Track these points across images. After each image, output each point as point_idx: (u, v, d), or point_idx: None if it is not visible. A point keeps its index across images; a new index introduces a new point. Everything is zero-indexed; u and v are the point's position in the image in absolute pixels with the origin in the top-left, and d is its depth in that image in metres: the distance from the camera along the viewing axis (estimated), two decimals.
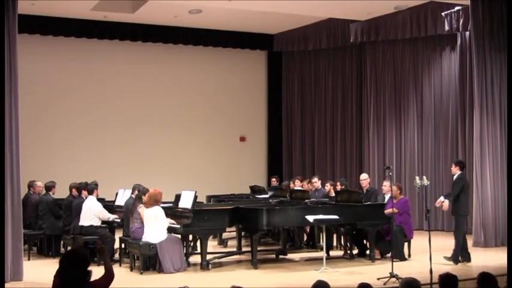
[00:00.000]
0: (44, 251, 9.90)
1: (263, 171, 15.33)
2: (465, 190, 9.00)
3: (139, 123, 14.09)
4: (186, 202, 8.78)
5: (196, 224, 8.44)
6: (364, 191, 10.16)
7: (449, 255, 8.93)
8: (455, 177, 9.04)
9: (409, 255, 9.30)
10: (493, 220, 10.51)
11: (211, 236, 9.95)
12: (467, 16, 11.14)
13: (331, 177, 13.36)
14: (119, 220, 9.48)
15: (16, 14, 8.15)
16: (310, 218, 8.45)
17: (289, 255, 9.70)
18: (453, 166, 9.16)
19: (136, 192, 9.06)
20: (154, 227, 8.40)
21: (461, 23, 11.67)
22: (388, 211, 9.02)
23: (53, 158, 13.19)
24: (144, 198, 8.67)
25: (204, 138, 14.73)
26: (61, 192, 10.27)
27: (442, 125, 12.75)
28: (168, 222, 8.49)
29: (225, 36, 14.45)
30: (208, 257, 8.73)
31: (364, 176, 10.44)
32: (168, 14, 12.83)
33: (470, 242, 10.58)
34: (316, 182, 10.95)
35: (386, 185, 9.52)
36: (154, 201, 8.46)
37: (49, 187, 10.05)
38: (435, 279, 5.17)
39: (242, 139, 15.28)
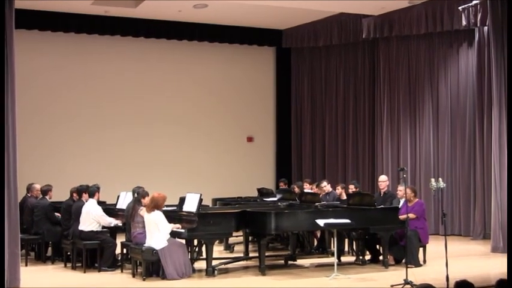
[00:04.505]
0: (42, 256, 9.77)
1: (271, 173, 15.25)
2: None
3: (141, 122, 14.03)
4: (190, 205, 8.65)
5: (201, 228, 8.28)
6: (382, 193, 10.05)
7: (467, 260, 8.73)
8: None
9: (424, 261, 9.15)
10: None
11: (217, 241, 9.83)
12: (486, 10, 10.94)
13: (343, 180, 13.24)
14: (121, 224, 9.30)
15: (13, 9, 7.98)
16: (321, 222, 8.29)
17: (299, 261, 9.56)
18: None
19: (135, 195, 8.87)
20: (155, 232, 8.24)
21: (479, 17, 11.42)
22: (403, 217, 8.82)
23: (51, 158, 13.11)
24: (145, 201, 8.53)
25: (209, 138, 14.67)
26: (59, 195, 10.13)
27: (459, 124, 12.54)
28: (171, 227, 8.33)
29: (231, 31, 14.36)
30: (214, 262, 8.59)
31: (383, 178, 10.34)
32: (171, 8, 12.75)
33: (488, 247, 10.60)
34: (326, 186, 10.88)
35: (401, 189, 9.32)
36: (155, 206, 8.29)
37: (45, 191, 9.91)
38: (452, 286, 5.07)
39: (249, 139, 15.20)
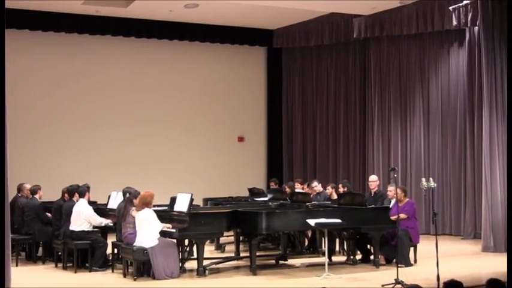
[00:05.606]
0: (33, 256, 9.71)
1: (262, 173, 15.17)
2: None
3: (132, 122, 13.91)
4: (181, 205, 8.60)
5: (192, 228, 8.24)
6: (372, 193, 10.01)
7: (458, 260, 8.71)
8: None
9: (415, 261, 9.12)
10: (503, 224, 10.32)
11: (208, 241, 9.76)
12: (476, 10, 10.93)
13: (334, 180, 13.14)
14: (112, 224, 9.24)
15: (3, 8, 7.86)
16: (312, 222, 8.27)
17: (290, 261, 9.52)
18: None
19: (127, 195, 8.80)
20: (146, 230, 8.19)
21: (469, 17, 11.44)
22: (394, 217, 8.80)
23: (42, 158, 13.02)
24: (135, 200, 8.50)
25: (200, 138, 14.57)
26: (50, 194, 10.09)
27: (450, 124, 12.51)
28: (162, 225, 8.30)
29: (222, 31, 14.27)
30: (205, 262, 8.55)
31: (373, 178, 10.32)
32: (162, 8, 12.67)
33: (479, 247, 10.57)
34: (316, 186, 10.85)
35: (391, 189, 9.31)
36: (144, 203, 8.25)
37: (34, 191, 9.83)
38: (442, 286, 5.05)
39: (240, 139, 15.11)
